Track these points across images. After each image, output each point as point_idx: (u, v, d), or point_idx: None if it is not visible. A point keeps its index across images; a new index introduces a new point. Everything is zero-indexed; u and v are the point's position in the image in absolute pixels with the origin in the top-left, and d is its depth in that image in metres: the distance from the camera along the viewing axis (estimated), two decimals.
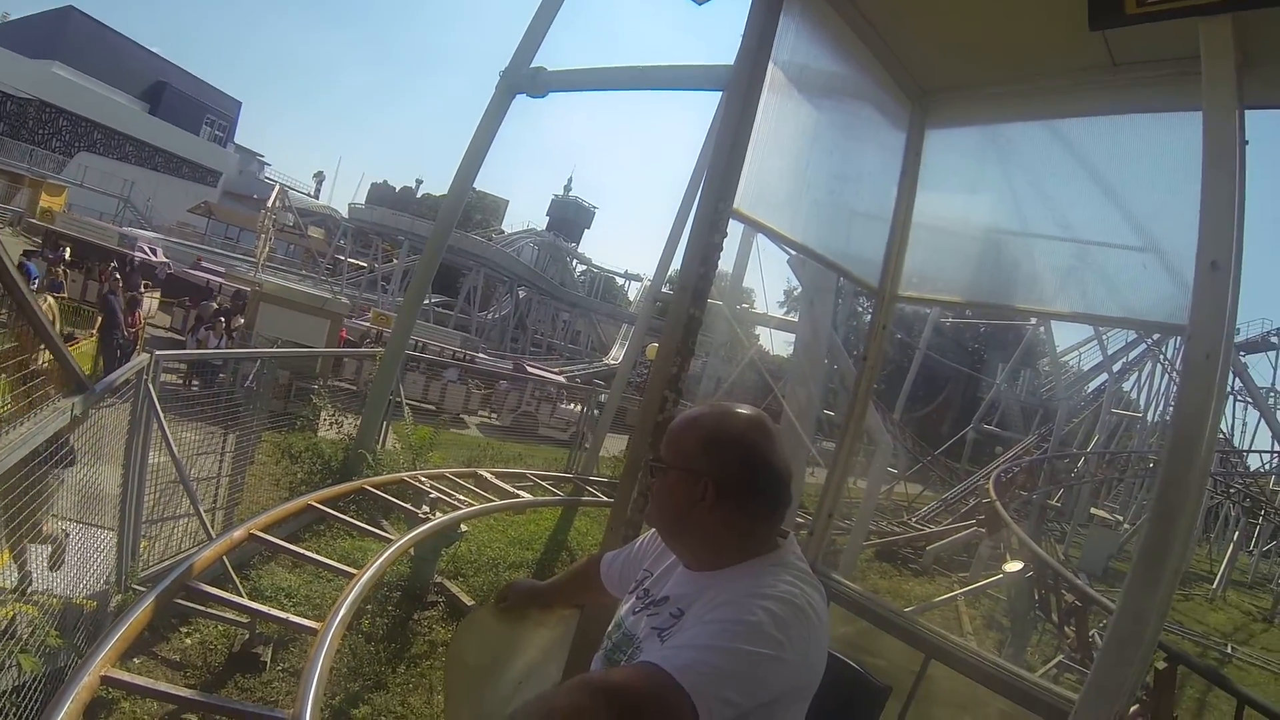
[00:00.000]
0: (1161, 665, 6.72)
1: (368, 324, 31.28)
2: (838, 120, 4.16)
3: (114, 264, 27.28)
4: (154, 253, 36.22)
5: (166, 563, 6.92)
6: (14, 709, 4.31)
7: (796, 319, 17.13)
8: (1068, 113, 4.00)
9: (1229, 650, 20.26)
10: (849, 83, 4.10)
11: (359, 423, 12.75)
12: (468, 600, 8.78)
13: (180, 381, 13.21)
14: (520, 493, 11.52)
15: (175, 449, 6.98)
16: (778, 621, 1.61)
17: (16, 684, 4.44)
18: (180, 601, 5.68)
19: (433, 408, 23.80)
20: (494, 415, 27.38)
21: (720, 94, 12.64)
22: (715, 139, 3.13)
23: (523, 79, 10.85)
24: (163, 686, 4.54)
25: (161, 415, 6.68)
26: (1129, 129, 3.75)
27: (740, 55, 3.10)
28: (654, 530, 2.20)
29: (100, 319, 16.32)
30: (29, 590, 4.89)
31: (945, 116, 4.49)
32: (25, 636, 4.62)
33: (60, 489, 5.43)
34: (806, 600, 1.74)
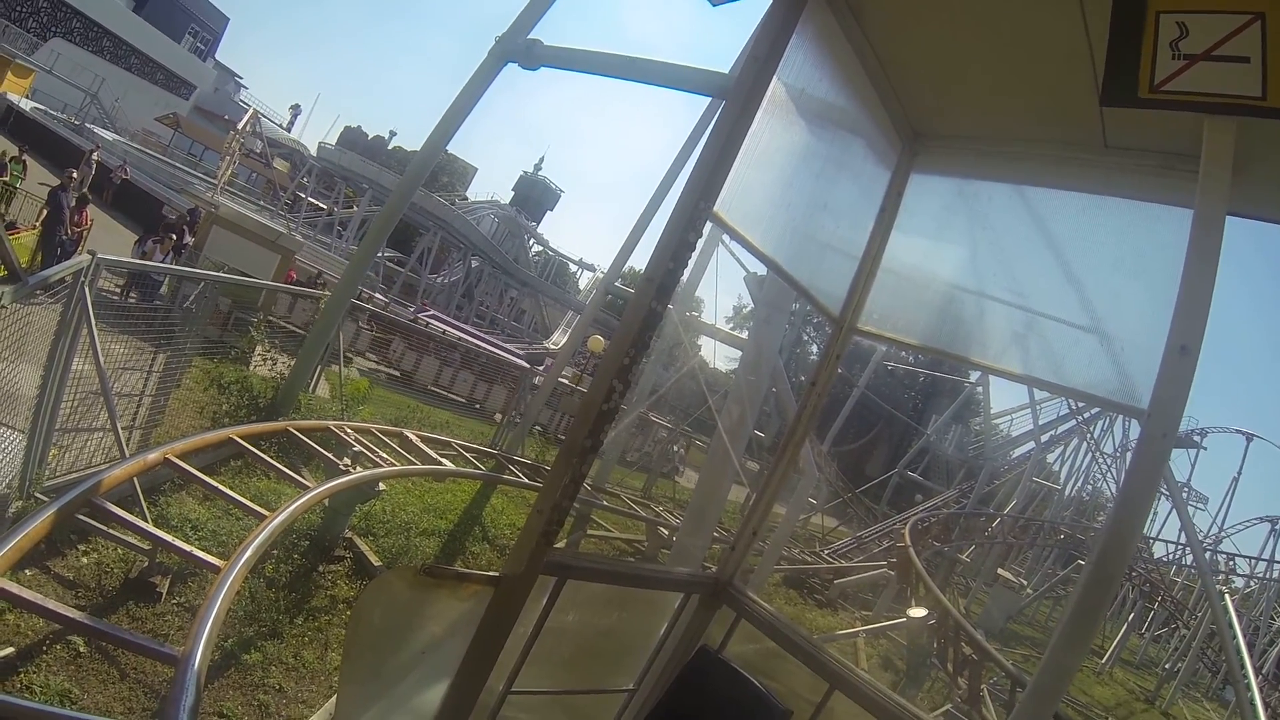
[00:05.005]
0: None
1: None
2: (827, 148, 4.16)
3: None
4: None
5: (74, 475, 6.70)
6: None
7: (746, 336, 17.23)
8: (1049, 183, 4.08)
9: None
10: (845, 114, 4.11)
11: (293, 363, 12.49)
12: (375, 560, 8.70)
13: (118, 291, 12.87)
14: (443, 460, 11.43)
15: (101, 359, 6.78)
16: None
17: None
18: (82, 518, 5.55)
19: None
20: (380, 361, 25.90)
21: (709, 101, 12.67)
22: (706, 139, 3.11)
23: (518, 48, 10.75)
24: (52, 604, 4.40)
25: (93, 321, 6.46)
26: (1104, 211, 3.84)
27: (748, 62, 3.08)
28: None
29: (45, 212, 15.82)
30: None
31: (930, 163, 4.53)
32: None
33: None
34: None
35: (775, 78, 3.17)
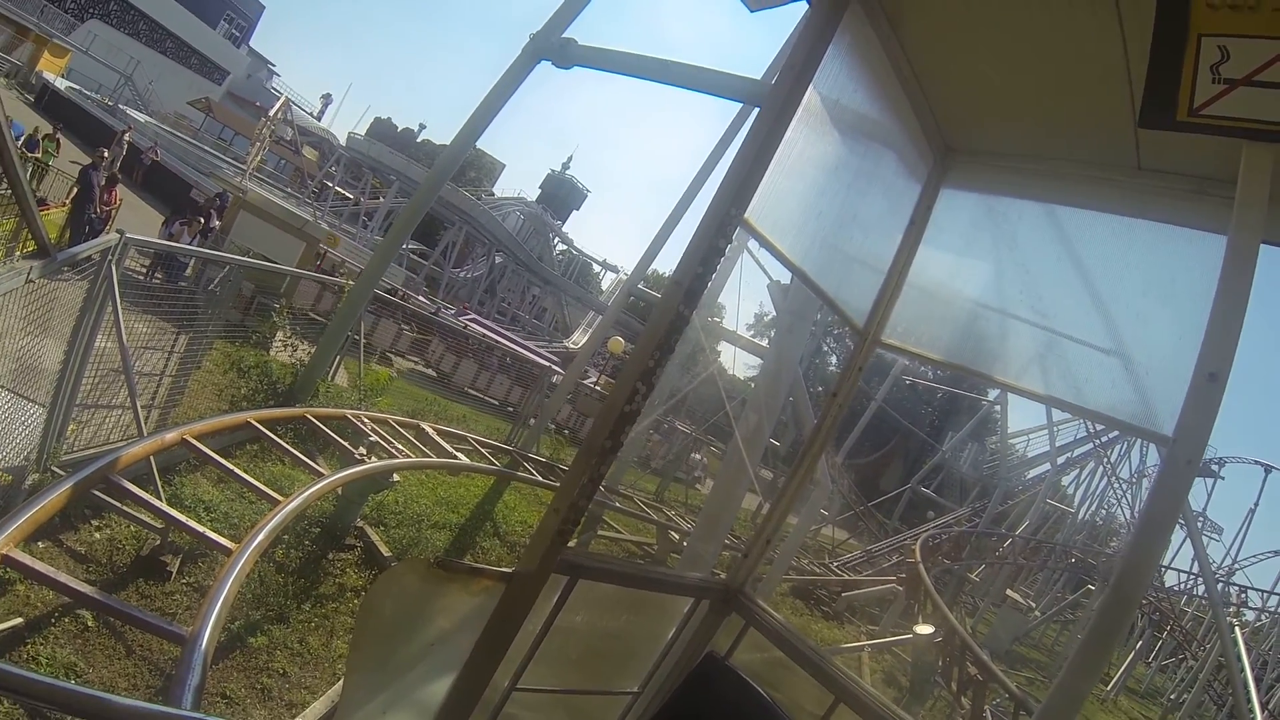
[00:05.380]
0: None
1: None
2: (859, 160, 4.14)
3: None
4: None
5: (91, 451, 6.78)
6: None
7: (766, 344, 17.20)
8: (1080, 203, 4.03)
9: None
10: (879, 125, 4.09)
11: (313, 350, 12.55)
12: (385, 550, 8.72)
13: (144, 271, 12.97)
14: (459, 454, 11.45)
15: (125, 337, 6.84)
16: None
17: None
18: (98, 493, 5.57)
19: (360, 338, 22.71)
20: (424, 363, 26.51)
21: (740, 107, 12.61)
22: (740, 146, 3.09)
23: (551, 46, 10.76)
24: (63, 577, 4.44)
25: (118, 300, 6.53)
26: (1137, 233, 3.80)
27: (784, 70, 3.07)
28: None
29: (75, 190, 15.94)
30: None
31: (961, 178, 4.49)
32: None
33: None
34: None
35: (810, 87, 3.15)
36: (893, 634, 17.44)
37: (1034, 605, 30.59)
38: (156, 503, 5.85)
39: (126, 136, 30.17)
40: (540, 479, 13.98)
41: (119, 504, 6.03)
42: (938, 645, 14.65)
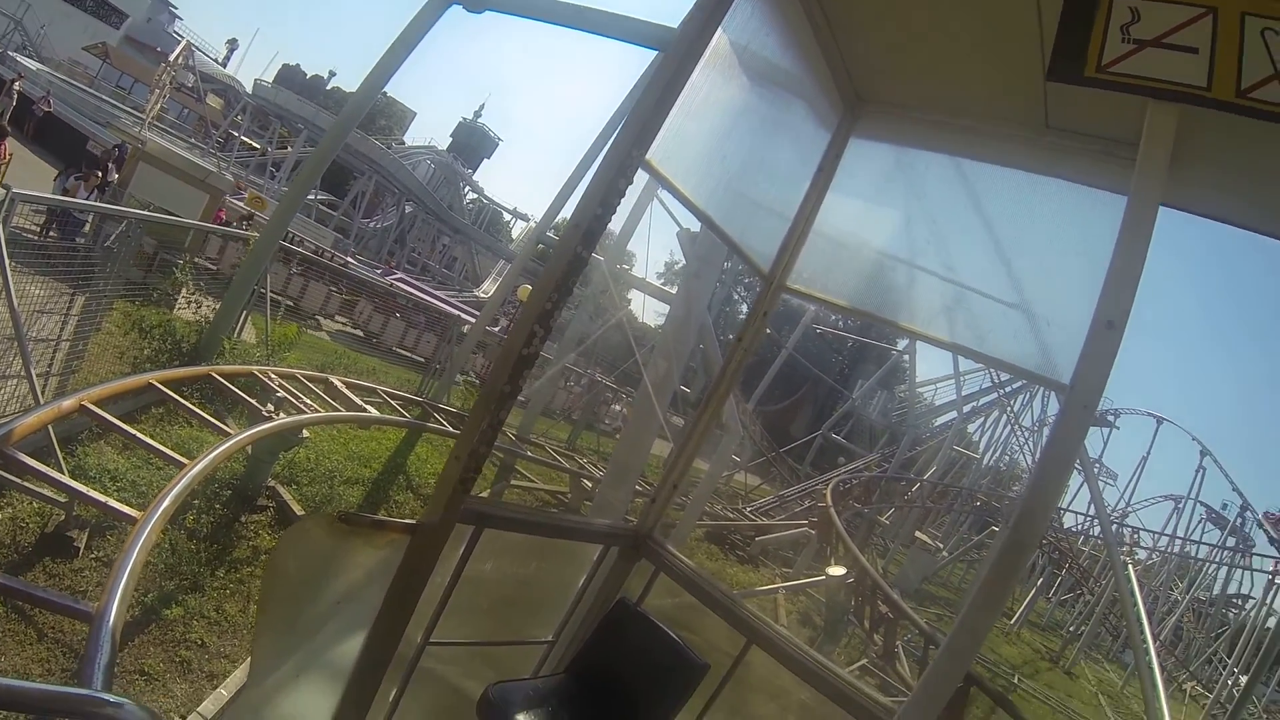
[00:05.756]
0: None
1: (243, 204, 29.62)
2: (767, 106, 4.16)
3: None
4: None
5: None
6: None
7: (674, 291, 17.30)
8: (988, 158, 4.12)
9: (1016, 681, 21.84)
10: (788, 74, 4.10)
11: (218, 307, 12.20)
12: (298, 509, 8.62)
13: (37, 230, 12.41)
14: (368, 407, 11.31)
15: (15, 301, 6.55)
16: None
17: None
18: None
19: (290, 303, 22.49)
20: (351, 324, 26.43)
21: (656, 55, 12.49)
22: (645, 87, 3.08)
23: None
24: None
25: (6, 261, 6.25)
26: (1042, 190, 3.91)
27: (690, 14, 3.06)
28: None
29: None
30: None
31: (871, 128, 4.54)
32: None
33: None
34: None
35: (720, 30, 3.14)
36: (806, 576, 17.85)
37: (941, 546, 31.64)
38: (58, 475, 5.64)
39: (16, 86, 28.98)
40: (451, 429, 13.87)
41: (18, 480, 5.78)
42: (850, 586, 15.07)
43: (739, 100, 3.86)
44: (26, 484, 5.86)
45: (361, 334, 25.76)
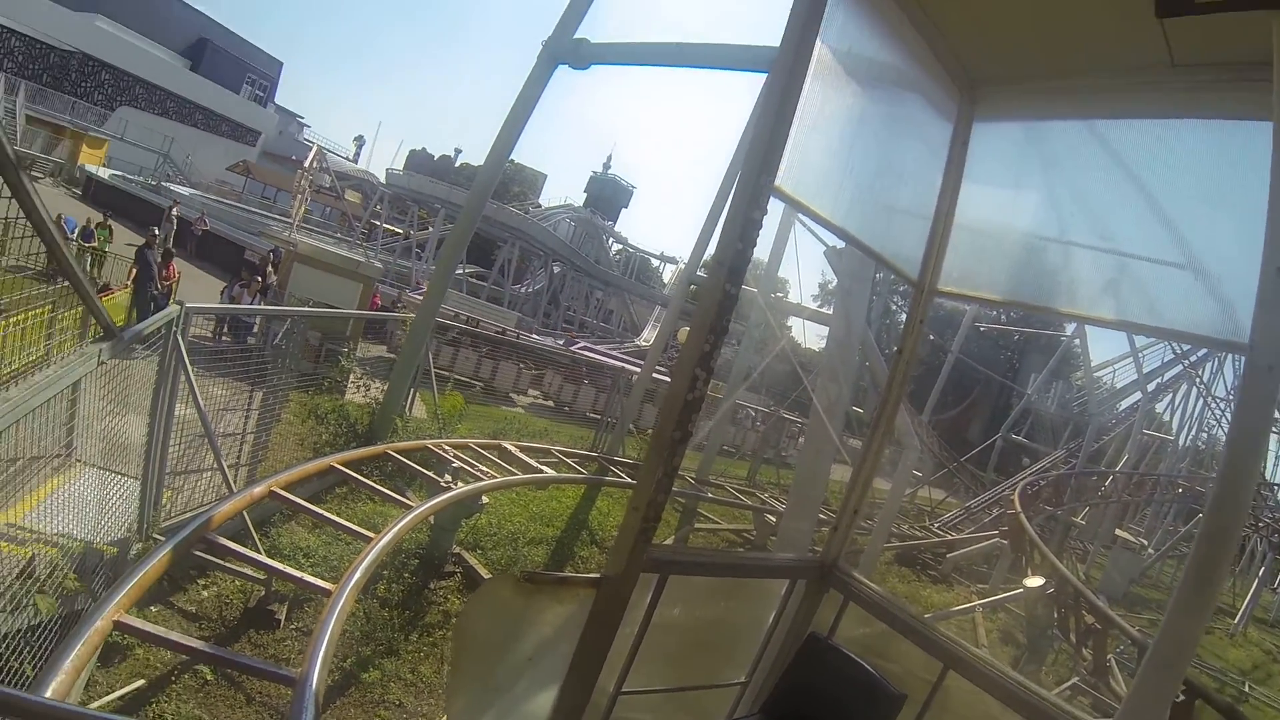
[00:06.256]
0: (1179, 698, 6.57)
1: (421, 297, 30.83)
2: (884, 108, 4.05)
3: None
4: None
5: (188, 515, 6.96)
6: (28, 649, 4.34)
7: (830, 312, 17.00)
8: (1119, 113, 3.86)
9: (1246, 688, 19.91)
10: (897, 70, 3.98)
11: (386, 388, 12.75)
12: (484, 572, 8.80)
13: (210, 336, 13.30)
14: (544, 468, 11.50)
15: (202, 403, 7.04)
16: None
17: (32, 624, 4.48)
18: (199, 553, 5.75)
19: (481, 385, 23.80)
20: (542, 396, 27.18)
21: (765, 77, 12.45)
22: (759, 114, 3.04)
23: (565, 49, 10.77)
24: (176, 636, 4.55)
25: (189, 368, 6.75)
26: (1182, 134, 3.63)
27: (787, 30, 3.00)
28: None
29: (134, 271, 16.50)
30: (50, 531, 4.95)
31: (994, 110, 4.35)
32: (44, 577, 4.68)
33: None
34: None
35: (819, 41, 3.08)
36: (1003, 591, 17.05)
37: (1146, 543, 29.66)
38: (256, 555, 5.97)
39: (174, 211, 31.17)
40: (629, 481, 13.95)
41: (221, 561, 6.21)
42: (1050, 597, 14.28)
43: (854, 108, 3.76)
44: (228, 564, 6.26)
45: (553, 404, 26.44)
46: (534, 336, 36.30)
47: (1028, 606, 15.89)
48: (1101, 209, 4.00)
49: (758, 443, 26.76)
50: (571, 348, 36.07)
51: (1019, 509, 18.73)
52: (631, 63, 10.48)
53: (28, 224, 3.84)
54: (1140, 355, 36.87)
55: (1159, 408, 40.59)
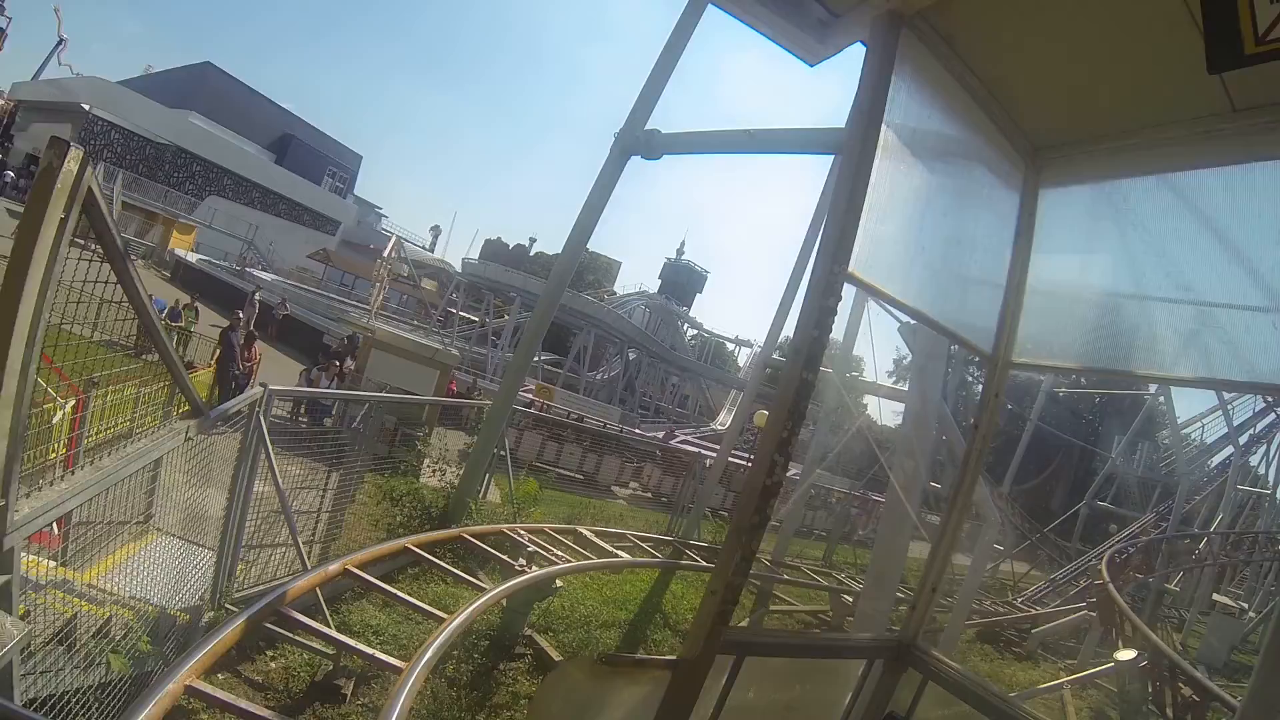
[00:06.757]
0: None
1: (532, 394, 31.48)
2: (950, 182, 4.05)
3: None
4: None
5: (260, 587, 7.16)
6: (97, 705, 4.44)
7: (906, 388, 16.82)
8: (1186, 165, 3.79)
9: None
10: (961, 143, 4.00)
11: (462, 472, 12.90)
12: (556, 656, 8.73)
13: (289, 416, 13.63)
14: (619, 552, 11.48)
15: (280, 480, 7.24)
16: None
17: (104, 681, 4.63)
18: (270, 625, 5.82)
19: (582, 477, 24.42)
20: (642, 488, 27.52)
21: (832, 157, 12.54)
22: (830, 202, 3.08)
23: (637, 141, 10.98)
24: (243, 704, 4.63)
25: (270, 447, 6.95)
26: (1251, 180, 3.54)
27: (853, 117, 3.06)
28: None
29: (218, 351, 17.24)
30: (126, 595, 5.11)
31: (1059, 174, 4.32)
32: (119, 638, 4.86)
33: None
34: None
35: (884, 125, 3.12)
36: (1092, 666, 16.38)
37: (1246, 606, 28.25)
38: (326, 629, 6.04)
39: (257, 296, 32.29)
40: (704, 564, 13.85)
41: (291, 634, 6.26)
42: (1144, 670, 13.66)
43: (920, 185, 3.78)
44: (298, 637, 6.32)
45: (651, 495, 26.70)
46: (637, 432, 36.65)
47: (1120, 682, 15.21)
48: (1177, 262, 3.91)
49: (834, 523, 26.45)
50: (671, 441, 36.30)
51: (1107, 578, 18.09)
52: (701, 151, 10.66)
53: (126, 304, 4.04)
54: (1230, 407, 35.31)
55: (1253, 461, 38.61)
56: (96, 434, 6.11)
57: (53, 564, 4.75)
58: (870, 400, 22.03)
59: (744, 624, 12.86)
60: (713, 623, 2.85)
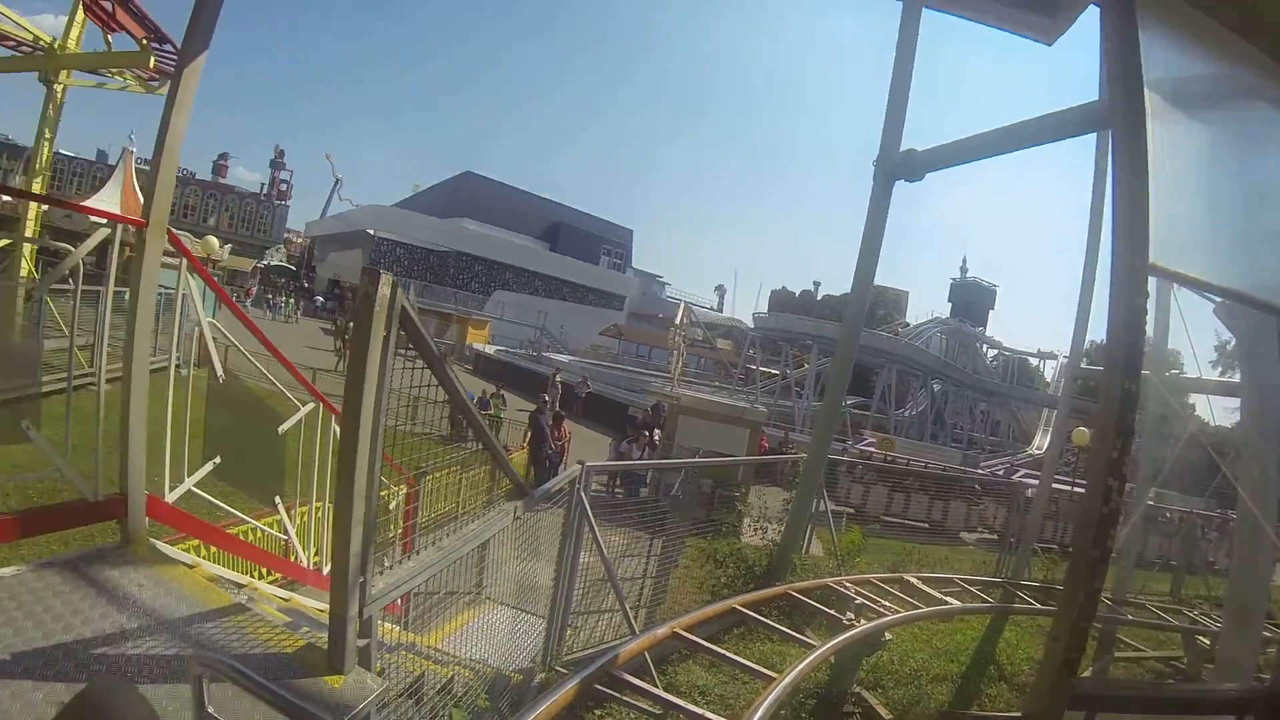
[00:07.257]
0: None
1: (872, 449, 31.43)
2: (1236, 129, 3.59)
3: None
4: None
5: (588, 650, 7.51)
6: None
7: (1237, 380, 14.88)
8: None
9: None
10: (1234, 83, 3.55)
11: (783, 529, 12.93)
12: (885, 713, 8.42)
13: (605, 489, 14.28)
14: (948, 599, 10.97)
15: (605, 550, 7.67)
16: None
17: None
18: (600, 687, 6.08)
19: (926, 525, 23.90)
20: (987, 530, 26.10)
21: (1094, 135, 11.32)
22: (1110, 188, 2.85)
23: (895, 164, 10.65)
24: None
25: (592, 519, 7.42)
26: None
27: (1109, 88, 2.82)
28: None
29: (529, 434, 18.46)
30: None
31: None
32: (460, 694, 5.32)
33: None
34: None
35: (1145, 88, 2.84)
36: None
37: None
38: (655, 690, 6.24)
39: (558, 378, 34.35)
40: (1038, 606, 12.92)
41: (619, 695, 6.51)
42: None
43: (1205, 143, 3.39)
44: (627, 698, 6.54)
45: (997, 536, 25.47)
46: (977, 471, 35.52)
47: None
48: None
49: (1179, 549, 23.78)
50: (1014, 475, 34.90)
51: None
52: (960, 162, 10.11)
53: (443, 401, 4.50)
54: None
55: None
56: (426, 516, 6.84)
57: (398, 628, 5.32)
58: (1198, 399, 19.87)
59: (1087, 674, 11.82)
60: (1058, 673, 2.66)
